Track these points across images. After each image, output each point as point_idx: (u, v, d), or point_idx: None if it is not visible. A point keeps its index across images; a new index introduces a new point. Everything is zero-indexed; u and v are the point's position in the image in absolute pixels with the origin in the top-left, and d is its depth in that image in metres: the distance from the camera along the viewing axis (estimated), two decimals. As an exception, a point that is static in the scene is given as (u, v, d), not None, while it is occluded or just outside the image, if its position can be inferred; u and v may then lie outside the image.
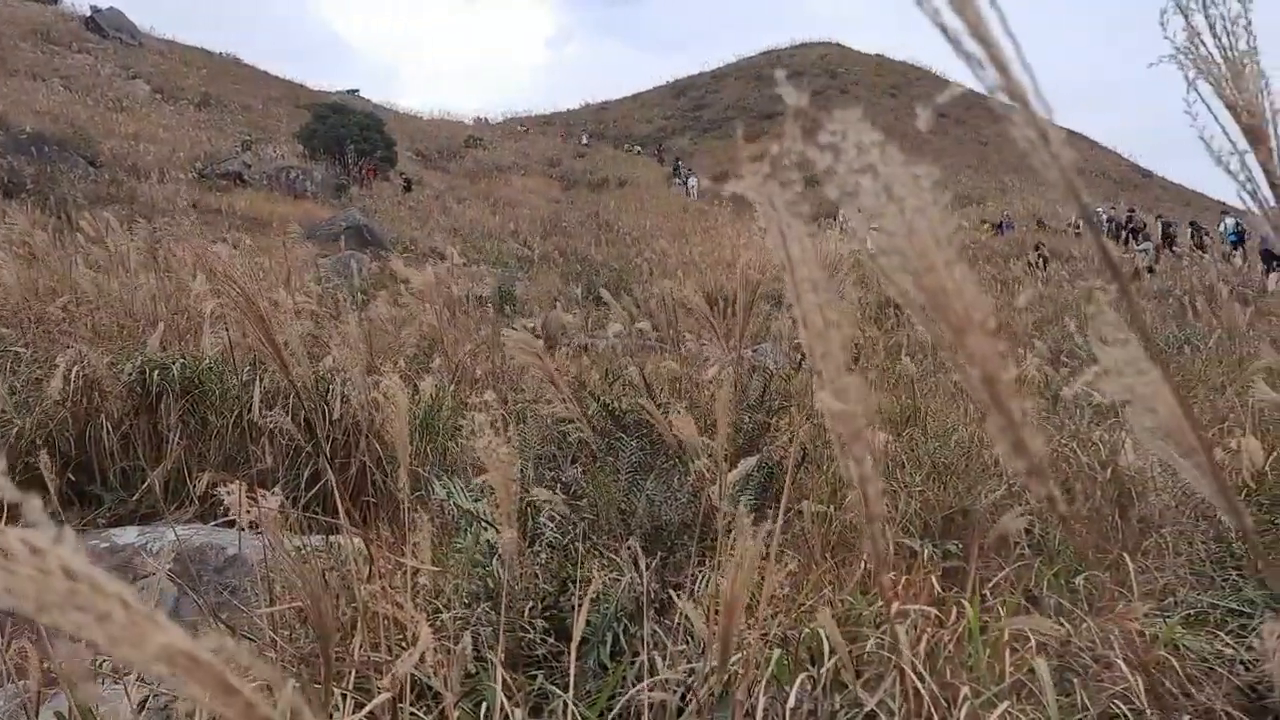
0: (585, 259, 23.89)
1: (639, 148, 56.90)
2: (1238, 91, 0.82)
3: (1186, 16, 0.82)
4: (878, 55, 71.71)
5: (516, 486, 1.90)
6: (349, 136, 32.19)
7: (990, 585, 3.53)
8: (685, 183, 42.16)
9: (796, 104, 0.46)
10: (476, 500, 2.98)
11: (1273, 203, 0.83)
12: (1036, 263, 22.63)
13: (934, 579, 3.16)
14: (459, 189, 36.55)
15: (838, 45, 73.46)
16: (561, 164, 46.76)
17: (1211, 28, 0.83)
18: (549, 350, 10.95)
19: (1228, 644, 2.96)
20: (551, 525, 2.80)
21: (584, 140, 56.11)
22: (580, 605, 2.04)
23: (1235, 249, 23.75)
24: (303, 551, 2.63)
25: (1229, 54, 0.83)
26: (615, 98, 74.24)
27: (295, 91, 46.86)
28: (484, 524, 2.61)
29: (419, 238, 24.18)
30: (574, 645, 1.96)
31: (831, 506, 4.09)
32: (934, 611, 2.83)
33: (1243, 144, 0.82)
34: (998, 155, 55.13)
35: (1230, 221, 25.47)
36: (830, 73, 66.24)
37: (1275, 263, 19.58)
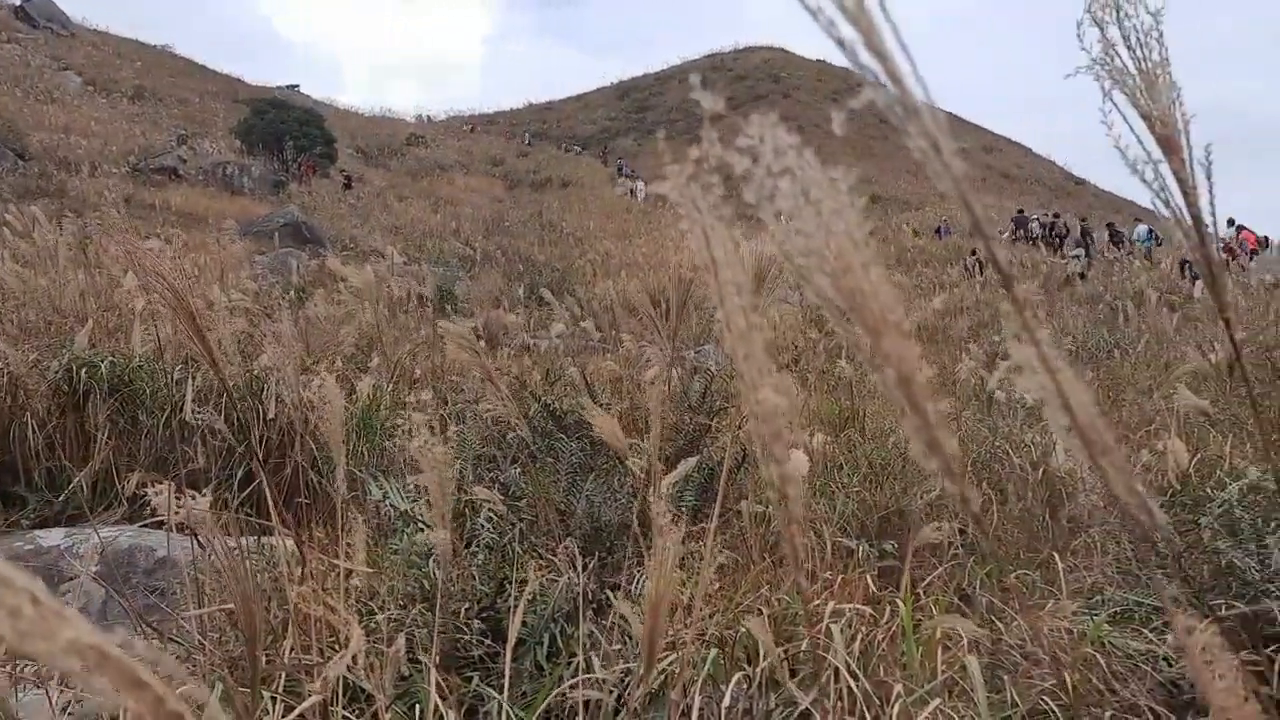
0: (528, 259, 23.79)
1: (579, 147, 56.81)
2: (1151, 102, 0.84)
3: (1102, 28, 0.84)
4: (820, 61, 72.33)
5: (453, 487, 1.88)
6: (288, 132, 31.71)
7: (924, 584, 3.58)
8: (633, 188, 42.07)
9: (713, 109, 0.46)
10: (413, 501, 2.95)
11: (1186, 210, 0.86)
12: (972, 268, 22.98)
13: (869, 578, 3.20)
14: (400, 187, 36.19)
15: (781, 50, 74.00)
16: (505, 163, 46.52)
17: (1126, 40, 0.85)
18: (490, 350, 10.89)
19: (1151, 641, 3.03)
20: (489, 526, 2.78)
21: (526, 140, 55.89)
22: (516, 606, 2.03)
23: (1149, 254, 24.52)
24: (234, 553, 2.58)
25: (1143, 65, 0.85)
26: (559, 98, 74.10)
27: (233, 86, 46.11)
28: (420, 525, 2.58)
29: (359, 236, 23.90)
30: (509, 646, 1.95)
31: (769, 506, 4.12)
32: (869, 610, 2.86)
33: (1157, 153, 0.84)
34: (937, 160, 56.01)
35: (1142, 228, 26.27)
36: (774, 77, 66.70)
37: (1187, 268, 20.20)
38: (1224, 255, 19.58)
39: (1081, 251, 24.55)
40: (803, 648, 2.74)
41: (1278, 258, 18.23)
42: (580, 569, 2.66)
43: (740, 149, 0.46)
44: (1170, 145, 0.85)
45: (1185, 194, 0.85)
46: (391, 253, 12.00)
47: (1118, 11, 0.83)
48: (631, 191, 41.00)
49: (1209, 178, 0.88)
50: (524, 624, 2.44)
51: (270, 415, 4.32)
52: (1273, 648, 2.79)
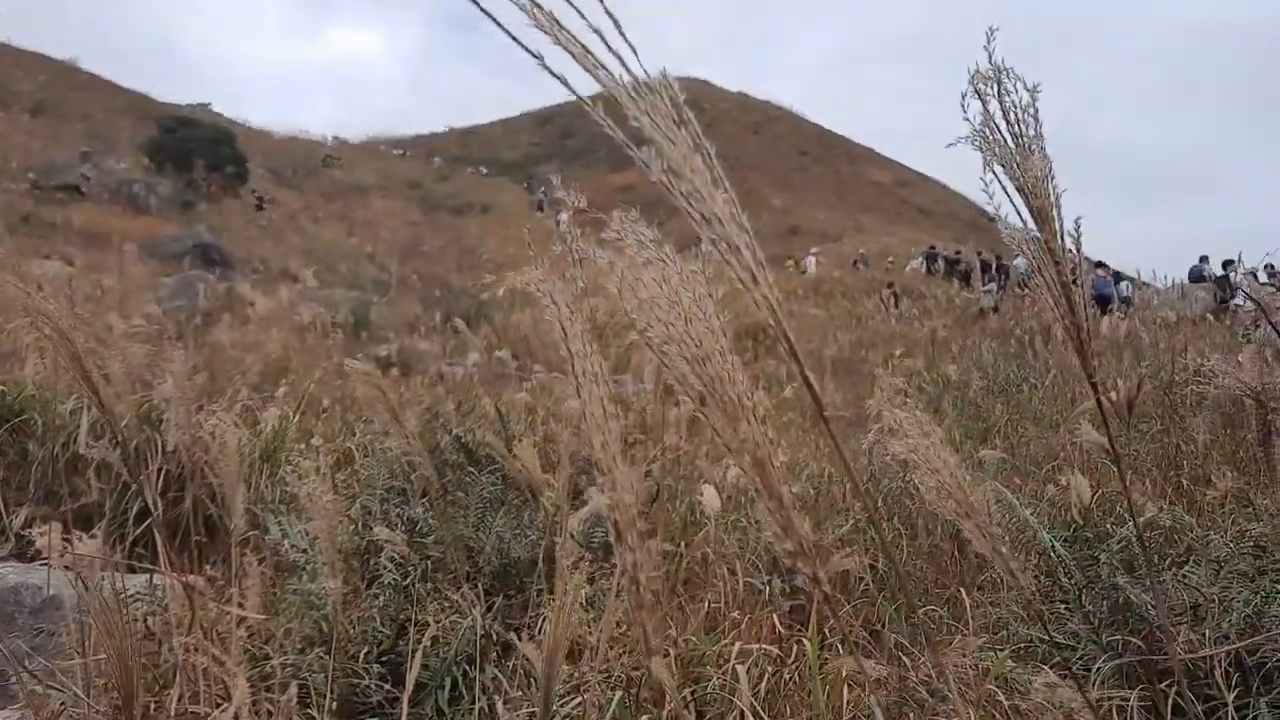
0: (445, 285, 23.55)
1: (484, 169, 56.55)
2: (1025, 175, 0.86)
3: (984, 101, 0.85)
4: (740, 93, 73.43)
5: (349, 530, 1.83)
6: (198, 151, 31.00)
7: (831, 623, 3.60)
8: (558, 219, 41.86)
9: (576, 205, 0.45)
10: (313, 541, 2.87)
11: (1057, 280, 0.87)
12: (888, 300, 23.40)
13: (776, 618, 3.20)
14: (315, 209, 35.63)
15: (703, 81, 74.84)
16: (423, 187, 46.13)
17: (1006, 115, 0.86)
18: (404, 378, 10.73)
19: (1050, 676, 3.07)
20: (391, 566, 2.72)
21: (435, 162, 55.57)
22: (415, 650, 1.98)
23: (1024, 286, 25.46)
24: (121, 597, 2.48)
25: (1020, 139, 0.86)
26: (482, 122, 73.86)
27: (141, 102, 44.93)
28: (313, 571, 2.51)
29: (271, 258, 23.43)
30: (407, 691, 1.90)
31: (682, 544, 4.11)
32: (775, 651, 2.86)
33: (1034, 224, 0.85)
34: (854, 195, 57.09)
35: (1020, 262, 27.17)
36: (695, 107, 67.02)
37: (1107, 307, 20.97)
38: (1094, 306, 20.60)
39: (994, 286, 25.20)
40: (709, 689, 2.73)
41: (1178, 295, 18.92)
42: (485, 610, 2.61)
43: (604, 241, 0.45)
44: (1043, 217, 0.86)
45: (1056, 263, 0.87)
46: (305, 276, 11.78)
47: (998, 86, 0.85)
48: (558, 223, 40.84)
49: (1078, 249, 0.90)
50: (425, 667, 2.38)
51: (170, 447, 4.17)
52: (1167, 682, 2.86)
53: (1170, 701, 2.79)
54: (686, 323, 0.45)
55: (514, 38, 0.44)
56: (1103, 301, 20.74)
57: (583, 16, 0.49)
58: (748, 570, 4.03)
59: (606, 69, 0.47)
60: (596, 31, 0.47)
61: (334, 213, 35.44)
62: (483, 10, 0.45)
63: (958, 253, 31.13)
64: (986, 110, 0.87)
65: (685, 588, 3.85)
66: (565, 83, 0.48)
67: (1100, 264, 23.25)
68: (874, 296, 24.48)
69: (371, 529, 2.88)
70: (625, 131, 0.52)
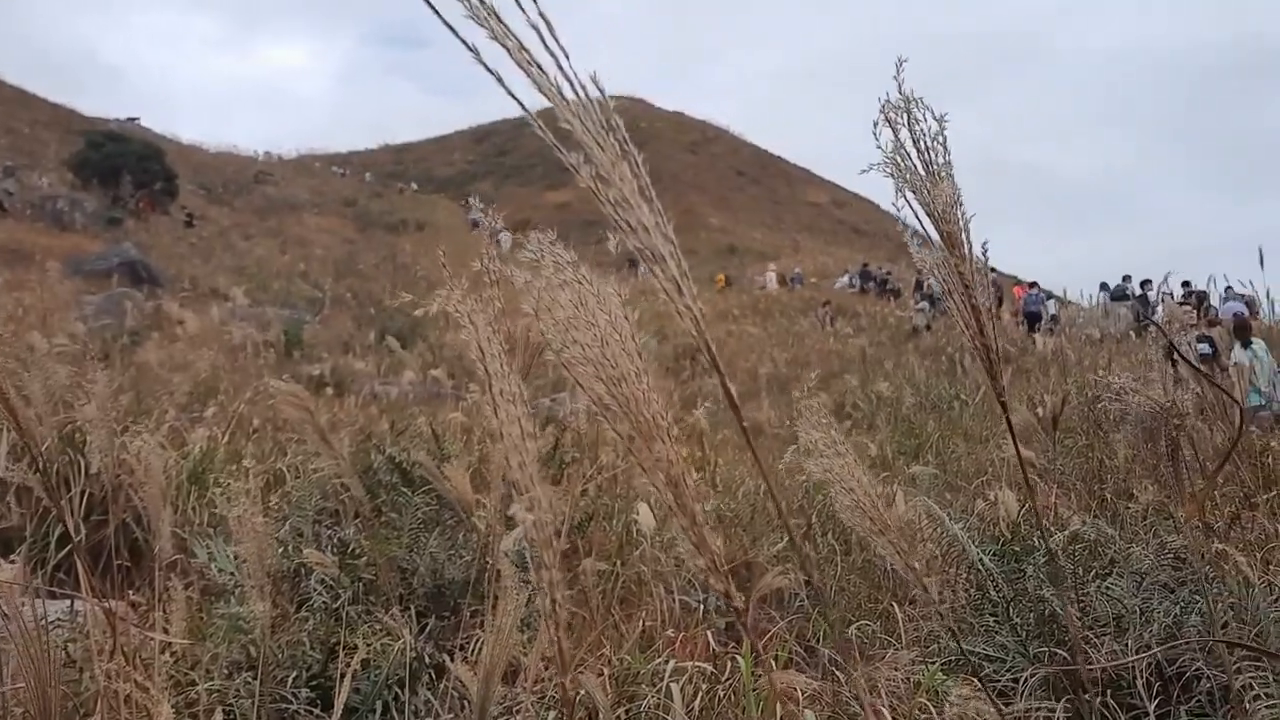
0: (379, 303, 23.27)
1: (413, 185, 56.08)
2: (934, 201, 0.88)
3: (894, 130, 0.88)
4: (677, 112, 73.83)
5: (278, 553, 1.81)
6: (126, 167, 30.31)
7: (768, 638, 3.62)
8: (497, 236, 41.51)
9: (487, 231, 0.45)
10: (241, 564, 2.82)
11: (966, 302, 0.90)
12: (824, 319, 23.64)
13: (710, 635, 3.21)
14: (246, 226, 35.01)
15: (639, 100, 75.17)
16: (358, 204, 45.60)
17: (916, 143, 0.89)
18: (338, 398, 10.57)
19: (979, 688, 3.11)
20: (321, 589, 2.68)
21: (366, 178, 55.03)
22: (345, 674, 1.95)
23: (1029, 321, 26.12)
24: (41, 623, 2.41)
25: (930, 167, 0.89)
26: (416, 139, 73.29)
27: (67, 117, 43.84)
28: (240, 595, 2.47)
29: (201, 276, 22.95)
30: (336, 716, 1.87)
31: (618, 562, 4.11)
32: (709, 668, 2.87)
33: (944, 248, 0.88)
34: (791, 215, 57.69)
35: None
36: (633, 126, 66.84)
37: (1037, 324, 21.53)
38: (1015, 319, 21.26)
39: (927, 304, 25.61)
40: (644, 706, 2.73)
41: (1103, 313, 19.41)
42: (418, 632, 2.58)
43: (522, 262, 0.45)
44: (953, 242, 0.89)
45: (965, 286, 0.90)
46: (236, 294, 11.58)
47: (908, 115, 0.88)
48: (498, 244, 40.37)
49: (986, 274, 0.93)
50: (356, 691, 2.35)
51: (93, 470, 4.07)
52: (1091, 693, 2.92)
53: (1095, 711, 2.86)
54: (602, 344, 0.46)
55: (450, 26, 0.44)
56: (1033, 319, 21.27)
57: (523, 10, 0.49)
58: (683, 588, 4.04)
59: (541, 69, 0.48)
60: (534, 28, 0.48)
61: (266, 230, 34.87)
62: (429, 5, 0.45)
63: (888, 272, 31.63)
64: (897, 138, 0.90)
65: (621, 606, 3.85)
66: (499, 79, 0.48)
67: (1032, 284, 23.85)
68: (810, 314, 24.71)
69: (301, 551, 2.84)
70: (557, 137, 0.53)
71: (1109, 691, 2.95)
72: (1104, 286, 21.70)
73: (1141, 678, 2.89)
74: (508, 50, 0.46)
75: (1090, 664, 3.02)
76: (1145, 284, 18.10)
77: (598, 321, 0.45)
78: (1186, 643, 2.88)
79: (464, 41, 0.46)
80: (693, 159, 63.06)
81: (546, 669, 2.90)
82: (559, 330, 0.45)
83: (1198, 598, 3.07)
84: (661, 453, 0.46)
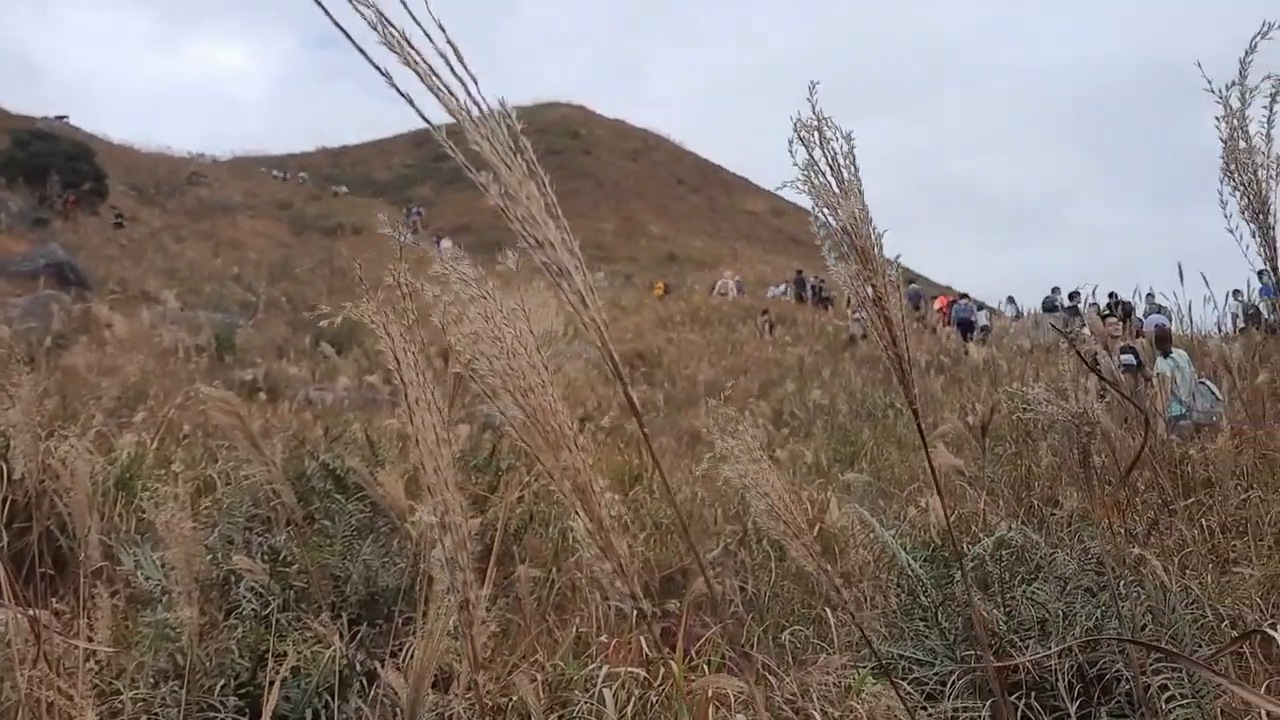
0: (315, 307, 22.88)
1: (344, 188, 55.15)
2: (845, 216, 0.92)
3: (808, 149, 0.91)
4: (618, 120, 73.89)
5: (207, 559, 1.79)
6: (54, 166, 29.57)
7: (701, 643, 3.65)
8: (437, 243, 40.99)
9: (403, 242, 0.47)
10: (169, 571, 2.78)
11: (880, 315, 0.93)
12: (763, 327, 23.80)
13: (644, 640, 3.23)
14: (179, 228, 34.33)
15: (580, 107, 75.12)
16: (294, 207, 44.96)
17: (829, 161, 0.92)
18: (271, 404, 10.43)
19: (908, 691, 3.17)
20: (251, 596, 2.65)
21: (302, 180, 54.20)
22: (274, 681, 1.94)
23: (916, 311, 26.68)
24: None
25: (842, 183, 0.93)
26: (354, 142, 72.38)
27: (-8, 115, 42.66)
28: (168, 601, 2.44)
29: (131, 278, 22.46)
30: (263, 727, 1.86)
31: (553, 569, 4.11)
32: (642, 673, 2.89)
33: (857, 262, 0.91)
34: (730, 223, 58.04)
35: (912, 289, 28.61)
36: (573, 133, 67.52)
37: (971, 333, 22.03)
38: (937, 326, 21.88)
39: (863, 314, 25.88)
40: (576, 712, 2.74)
41: (1034, 324, 19.83)
42: (350, 639, 2.57)
43: (431, 276, 0.47)
44: (865, 256, 0.93)
45: (878, 298, 0.93)
46: (166, 298, 11.36)
47: (820, 134, 0.91)
48: (439, 247, 39.83)
49: (898, 286, 0.97)
50: (286, 700, 2.33)
51: (16, 475, 3.97)
52: (1017, 694, 2.99)
53: (1020, 713, 2.93)
54: (509, 356, 0.47)
55: (363, 51, 0.46)
56: (966, 328, 21.73)
57: (431, 40, 0.51)
58: (619, 595, 4.05)
59: (451, 93, 0.50)
60: (443, 56, 0.49)
61: (199, 232, 34.23)
62: (336, 24, 0.47)
63: (821, 280, 32.01)
64: (811, 156, 0.93)
65: (556, 612, 3.86)
66: (410, 101, 0.50)
67: (964, 295, 24.38)
68: (749, 323, 24.85)
69: (231, 558, 2.80)
70: (467, 155, 0.54)
71: (1033, 694, 3.01)
72: (1010, 300, 22.48)
73: (1063, 680, 2.96)
74: (418, 75, 0.48)
75: (1015, 667, 3.09)
76: (1073, 295, 18.56)
77: (504, 335, 0.47)
78: (1092, 639, 2.96)
79: (376, 66, 0.48)
80: (634, 167, 63.23)
81: (480, 676, 2.90)
82: (468, 343, 0.47)
83: (1119, 601, 3.16)
84: (568, 461, 0.48)
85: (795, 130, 0.92)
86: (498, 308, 0.47)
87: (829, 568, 0.77)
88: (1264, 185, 1.06)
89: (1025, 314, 22.10)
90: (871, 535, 4.66)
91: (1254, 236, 1.07)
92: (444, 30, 0.48)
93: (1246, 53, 1.09)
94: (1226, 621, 3.15)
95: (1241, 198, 1.07)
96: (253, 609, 2.70)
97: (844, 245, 0.97)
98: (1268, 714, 2.16)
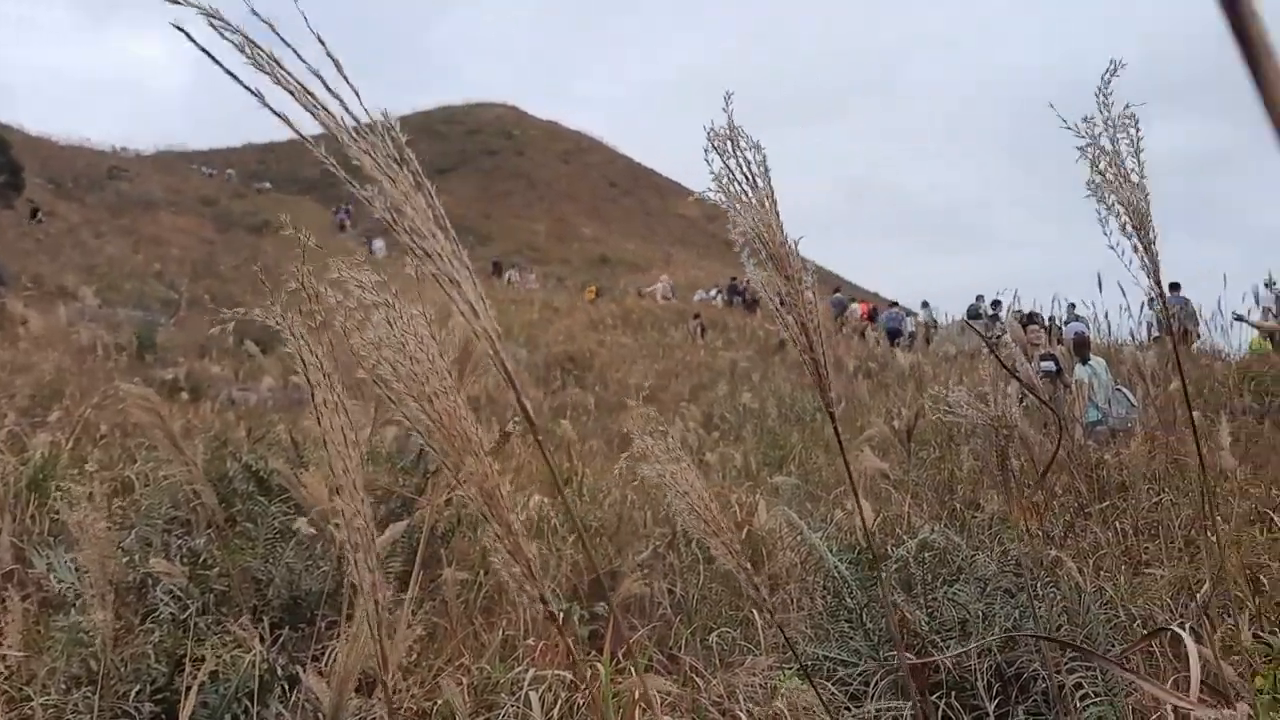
0: (239, 306, 22.32)
1: (267, 184, 53.99)
2: (762, 225, 0.94)
3: (723, 158, 0.92)
4: (551, 122, 73.72)
5: (123, 561, 1.75)
6: (-35, 157, 28.62)
7: (628, 645, 3.66)
8: (371, 243, 40.29)
9: (305, 245, 0.47)
10: (83, 574, 2.71)
11: (795, 321, 0.95)
12: (695, 330, 23.90)
13: (570, 643, 3.23)
14: (98, 223, 33.40)
15: (514, 108, 74.80)
16: (219, 203, 44.02)
17: (743, 170, 0.94)
18: (193, 404, 10.21)
19: (833, 692, 3.21)
20: (169, 600, 2.59)
21: (227, 176, 53.03)
22: (191, 687, 1.90)
23: (840, 317, 27.29)
24: None
25: (757, 191, 0.94)
26: (281, 139, 71.14)
27: (-98, 102, 41.03)
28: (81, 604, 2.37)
29: (47, 274, 21.82)
30: (179, 732, 1.82)
31: (481, 571, 4.09)
32: (569, 676, 2.89)
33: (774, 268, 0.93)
34: (663, 227, 58.24)
35: (835, 296, 29.20)
36: (506, 134, 67.25)
37: (898, 340, 22.44)
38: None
39: (793, 319, 26.15)
40: (503, 714, 2.73)
41: (959, 330, 20.22)
42: (271, 643, 2.52)
43: (332, 281, 0.47)
44: (780, 264, 0.94)
45: (796, 305, 0.95)
46: (84, 294, 11.05)
47: (734, 144, 0.93)
48: (371, 250, 39.23)
49: (814, 295, 0.98)
50: (204, 705, 2.29)
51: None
52: (938, 694, 3.05)
53: (940, 712, 2.99)
54: (412, 362, 0.47)
55: (234, 76, 0.46)
56: (894, 335, 22.14)
57: (303, 60, 0.51)
58: (547, 597, 4.04)
59: (328, 111, 0.49)
60: (317, 75, 0.49)
61: (119, 228, 33.34)
62: (203, 50, 0.46)
63: (746, 283, 32.31)
64: (726, 165, 0.95)
65: (483, 615, 3.84)
66: (287, 121, 0.50)
67: (893, 303, 24.84)
68: (681, 327, 24.95)
69: (149, 560, 2.74)
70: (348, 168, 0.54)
71: (954, 693, 3.07)
72: (925, 306, 23.17)
73: (983, 679, 3.01)
74: (292, 95, 0.48)
75: (936, 667, 3.15)
76: (996, 304, 18.99)
77: (407, 342, 0.47)
78: (1010, 636, 3.02)
79: (248, 87, 0.47)
80: (566, 169, 63.16)
81: (405, 680, 2.87)
82: (371, 349, 0.47)
83: (1035, 602, 3.23)
84: (474, 466, 0.48)
85: (709, 140, 0.94)
86: (399, 315, 0.47)
87: (748, 566, 0.78)
88: (1142, 204, 1.10)
89: (946, 320, 22.55)
90: (799, 538, 4.71)
91: (1135, 252, 1.12)
92: (323, 43, 0.48)
93: (1099, 92, 1.14)
94: (1138, 621, 3.24)
95: (1118, 217, 1.12)
96: (170, 613, 2.64)
97: (760, 252, 0.98)
98: (1175, 710, 2.23)
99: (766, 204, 0.95)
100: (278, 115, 0.48)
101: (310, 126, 0.52)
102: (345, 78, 0.47)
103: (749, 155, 0.94)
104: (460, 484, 0.49)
